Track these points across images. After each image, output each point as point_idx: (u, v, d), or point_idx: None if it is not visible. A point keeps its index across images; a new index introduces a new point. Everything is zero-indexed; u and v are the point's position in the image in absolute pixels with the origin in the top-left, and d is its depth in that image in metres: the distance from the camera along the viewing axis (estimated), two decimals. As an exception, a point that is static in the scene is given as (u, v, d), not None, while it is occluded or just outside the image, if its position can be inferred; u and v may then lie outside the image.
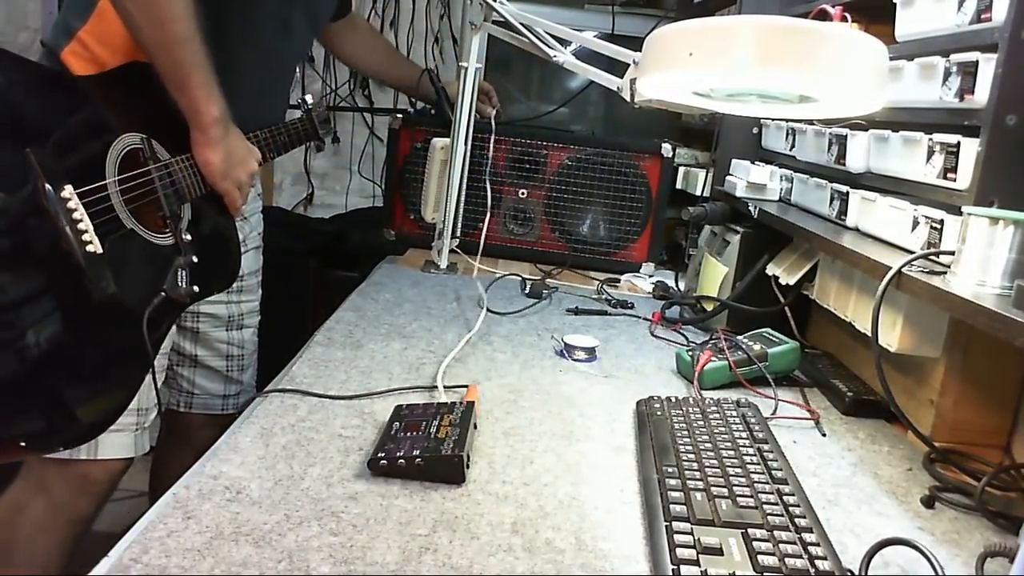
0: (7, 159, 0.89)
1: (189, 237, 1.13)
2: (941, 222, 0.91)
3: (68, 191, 0.93)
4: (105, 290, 0.96)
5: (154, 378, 1.07)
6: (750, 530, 0.67)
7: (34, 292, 0.90)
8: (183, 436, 1.42)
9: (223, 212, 1.24)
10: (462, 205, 1.68)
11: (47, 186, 0.90)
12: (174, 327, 1.31)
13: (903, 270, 0.88)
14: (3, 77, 0.92)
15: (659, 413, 0.93)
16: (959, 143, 0.89)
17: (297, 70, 2.73)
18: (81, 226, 0.94)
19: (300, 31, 1.38)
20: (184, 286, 1.10)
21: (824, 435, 1.00)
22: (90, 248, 0.95)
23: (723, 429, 0.88)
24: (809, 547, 0.65)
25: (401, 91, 1.79)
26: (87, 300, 0.95)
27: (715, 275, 1.45)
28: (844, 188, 1.15)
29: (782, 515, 0.70)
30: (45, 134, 0.94)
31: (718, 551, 0.64)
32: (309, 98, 1.43)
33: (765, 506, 0.71)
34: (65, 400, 0.91)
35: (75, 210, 0.93)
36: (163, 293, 1.07)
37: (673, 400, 0.97)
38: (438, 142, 1.64)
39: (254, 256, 1.50)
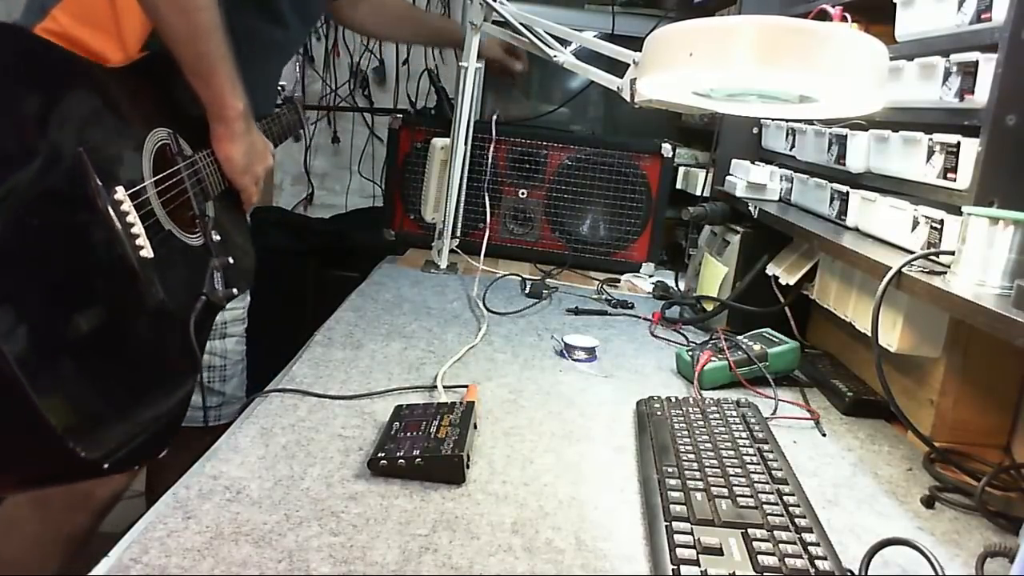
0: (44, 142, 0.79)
1: (219, 237, 1.07)
2: (941, 222, 0.91)
3: (120, 193, 0.86)
4: (156, 295, 0.89)
5: (201, 384, 1.02)
6: (750, 530, 0.67)
7: (82, 301, 0.80)
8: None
9: (237, 209, 1.20)
10: (462, 205, 1.68)
11: (99, 185, 0.83)
12: None
13: (903, 270, 0.88)
14: (50, 70, 0.84)
15: (659, 413, 0.93)
16: (959, 143, 0.89)
17: (297, 69, 2.74)
18: (135, 230, 0.87)
19: (293, 23, 1.35)
20: (221, 288, 1.04)
21: (824, 435, 1.00)
22: (143, 253, 0.87)
23: (723, 429, 0.88)
24: (809, 547, 0.65)
25: (437, 46, 1.74)
26: (137, 306, 0.87)
27: (715, 275, 1.45)
28: (844, 188, 1.15)
29: (782, 515, 0.70)
30: (89, 130, 0.86)
31: (718, 551, 0.64)
32: (286, 83, 1.39)
33: (765, 506, 0.71)
34: (131, 415, 0.83)
35: (128, 213, 0.86)
36: (204, 296, 1.01)
37: (673, 400, 0.97)
38: (438, 142, 1.64)
39: None
